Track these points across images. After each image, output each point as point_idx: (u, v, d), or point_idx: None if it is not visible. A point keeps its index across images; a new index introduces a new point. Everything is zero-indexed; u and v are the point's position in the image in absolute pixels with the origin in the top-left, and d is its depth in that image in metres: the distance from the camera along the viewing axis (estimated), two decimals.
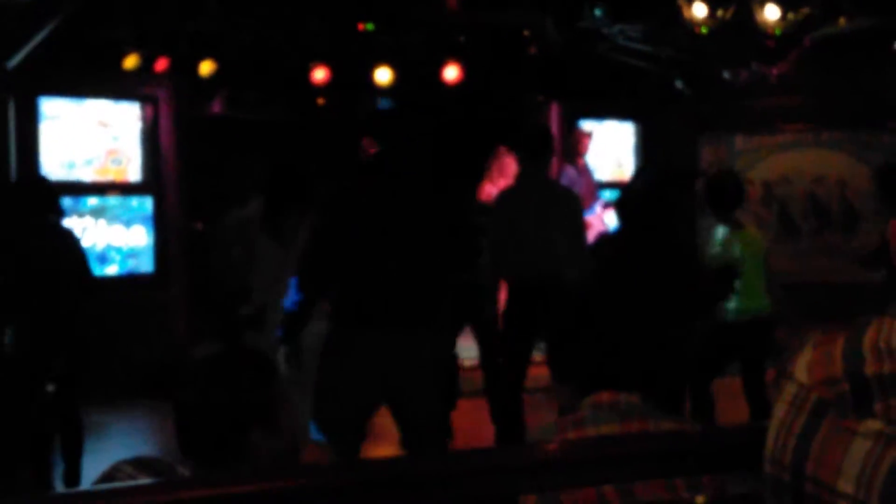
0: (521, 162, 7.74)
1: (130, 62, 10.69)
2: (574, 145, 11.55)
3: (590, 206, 10.19)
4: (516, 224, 7.16)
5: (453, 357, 5.24)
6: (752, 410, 6.80)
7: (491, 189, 10.80)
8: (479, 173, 8.69)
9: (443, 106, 11.88)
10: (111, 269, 10.42)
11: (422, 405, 4.93)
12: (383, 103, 11.70)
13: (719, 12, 10.58)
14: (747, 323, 6.66)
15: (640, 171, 6.68)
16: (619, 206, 6.19)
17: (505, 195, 7.85)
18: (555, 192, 7.49)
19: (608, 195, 10.97)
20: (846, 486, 1.41)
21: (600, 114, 12.51)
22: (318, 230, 5.02)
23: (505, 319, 7.27)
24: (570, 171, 11.21)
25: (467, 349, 9.18)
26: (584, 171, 11.29)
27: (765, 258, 6.92)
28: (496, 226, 7.48)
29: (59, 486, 6.37)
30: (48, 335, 5.90)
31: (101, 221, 10.33)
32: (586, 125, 11.68)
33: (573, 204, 7.37)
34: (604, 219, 9.97)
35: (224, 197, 11.92)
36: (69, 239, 6.59)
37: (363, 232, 4.83)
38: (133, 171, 10.62)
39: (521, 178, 7.81)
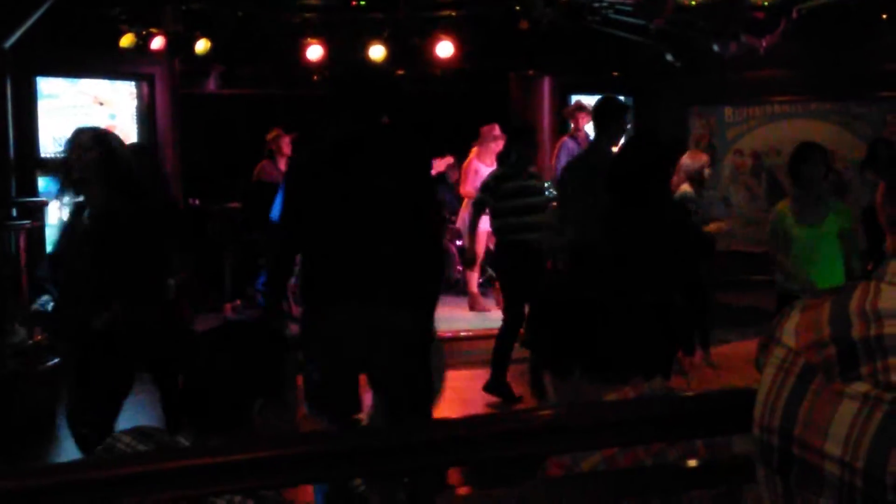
0: (595, 132, 7.69)
1: (126, 41, 10.70)
2: (570, 120, 11.61)
3: None
4: (588, 194, 7.15)
5: (428, 331, 5.16)
6: None
7: (477, 163, 10.91)
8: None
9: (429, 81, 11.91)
10: None
11: (399, 379, 4.86)
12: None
13: None
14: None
15: (632, 145, 6.59)
16: (613, 179, 6.11)
17: (576, 165, 7.87)
18: None
19: None
20: (833, 447, 1.45)
21: (592, 87, 12.47)
22: (290, 201, 4.92)
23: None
24: (569, 144, 11.25)
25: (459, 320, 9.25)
26: (585, 144, 11.33)
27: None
28: (571, 194, 7.47)
29: None
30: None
31: None
32: (583, 100, 11.67)
33: None
34: None
35: (220, 173, 12.03)
36: None
37: (334, 207, 4.73)
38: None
39: (591, 147, 7.82)
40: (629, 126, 8.10)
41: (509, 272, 8.34)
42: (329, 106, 5.00)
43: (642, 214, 5.80)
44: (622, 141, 7.50)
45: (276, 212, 4.97)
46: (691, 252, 6.17)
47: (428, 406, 5.50)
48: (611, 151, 7.43)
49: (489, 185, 8.40)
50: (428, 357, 5.07)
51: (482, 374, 8.13)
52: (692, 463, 2.28)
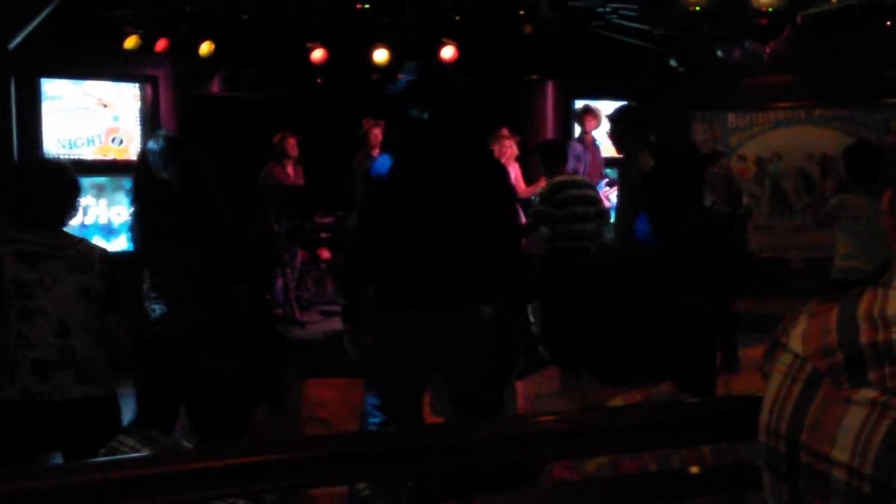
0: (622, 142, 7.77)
1: (130, 42, 10.70)
2: (578, 123, 11.67)
3: (595, 183, 10.24)
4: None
5: (512, 333, 5.22)
6: None
7: None
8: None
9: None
10: (112, 248, 10.47)
11: (473, 383, 4.87)
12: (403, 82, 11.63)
13: None
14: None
15: (675, 152, 6.63)
16: (655, 185, 6.12)
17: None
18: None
19: (608, 173, 11.03)
20: (841, 454, 1.44)
21: (595, 92, 12.48)
22: (368, 211, 4.96)
23: None
24: (576, 147, 11.28)
25: None
26: (592, 148, 11.34)
27: None
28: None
29: None
30: None
31: (103, 200, 10.40)
32: (594, 105, 11.71)
33: None
34: (609, 196, 10.00)
35: (223, 176, 12.01)
36: None
37: (412, 212, 4.77)
38: (133, 151, 10.59)
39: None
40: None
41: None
42: (405, 110, 5.02)
43: (682, 219, 5.83)
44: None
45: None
46: (726, 259, 6.19)
47: (499, 406, 5.52)
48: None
49: None
50: (506, 358, 5.11)
51: None
52: (696, 469, 2.27)
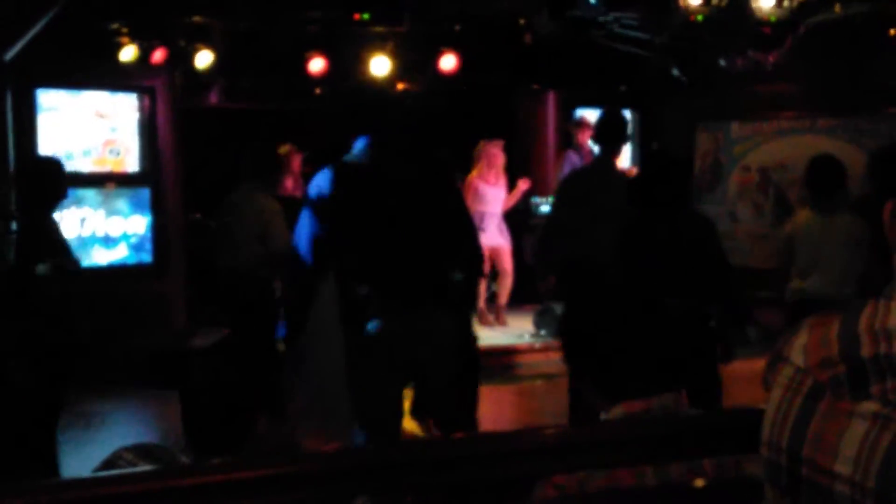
0: (598, 147, 7.75)
1: (127, 53, 10.69)
2: (573, 133, 11.69)
3: None
4: (583, 208, 7.17)
5: (472, 336, 5.31)
6: None
7: (478, 182, 10.91)
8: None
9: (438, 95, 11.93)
10: (110, 259, 10.48)
11: (442, 387, 4.97)
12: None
13: (714, 0, 10.59)
14: (813, 302, 6.61)
15: (651, 158, 6.65)
16: (640, 194, 6.16)
17: (574, 179, 7.94)
18: (620, 180, 7.44)
19: None
20: (843, 467, 1.42)
21: (597, 102, 12.46)
22: (326, 218, 4.99)
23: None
24: (572, 157, 11.29)
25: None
26: (590, 157, 11.36)
27: (857, 243, 6.81)
28: (562, 208, 7.51)
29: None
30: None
31: (100, 212, 10.38)
32: (586, 115, 11.74)
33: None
34: None
35: (221, 186, 12.00)
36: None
37: (373, 219, 4.85)
38: (131, 162, 10.67)
39: (592, 162, 7.91)
40: (630, 139, 8.17)
41: None
42: (351, 127, 5.11)
43: (668, 228, 5.86)
44: (625, 154, 7.55)
45: (300, 238, 5.04)
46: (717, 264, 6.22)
47: (472, 413, 5.52)
48: (613, 164, 7.45)
49: None
50: (475, 363, 5.16)
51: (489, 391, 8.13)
52: (699, 482, 2.26)
